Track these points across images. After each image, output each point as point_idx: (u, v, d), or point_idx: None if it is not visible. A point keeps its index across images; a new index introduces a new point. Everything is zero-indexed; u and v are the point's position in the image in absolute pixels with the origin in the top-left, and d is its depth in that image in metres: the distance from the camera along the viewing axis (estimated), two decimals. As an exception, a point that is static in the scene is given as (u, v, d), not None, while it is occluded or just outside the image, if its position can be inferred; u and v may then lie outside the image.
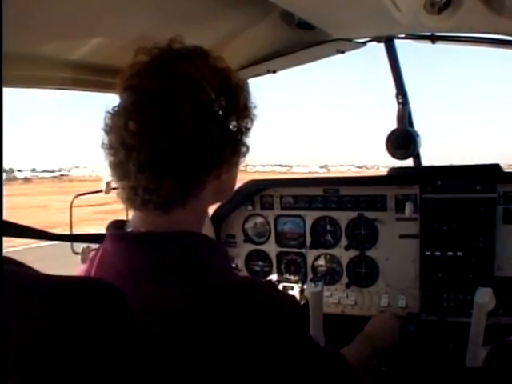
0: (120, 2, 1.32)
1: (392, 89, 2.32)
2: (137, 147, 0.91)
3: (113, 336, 0.75)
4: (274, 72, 2.07)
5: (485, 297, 1.76)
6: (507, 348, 1.59)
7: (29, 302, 0.72)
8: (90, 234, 1.76)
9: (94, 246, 1.86)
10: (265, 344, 0.86)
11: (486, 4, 1.48)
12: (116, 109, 0.97)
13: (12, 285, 0.72)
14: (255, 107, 1.07)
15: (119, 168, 0.95)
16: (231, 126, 0.98)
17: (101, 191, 2.10)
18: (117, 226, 1.06)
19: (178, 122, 0.90)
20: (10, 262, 0.82)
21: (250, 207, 2.51)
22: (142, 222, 1.00)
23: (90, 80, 1.67)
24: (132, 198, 0.96)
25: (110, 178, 2.09)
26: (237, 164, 1.08)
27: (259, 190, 2.48)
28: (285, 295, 1.02)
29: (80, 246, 1.90)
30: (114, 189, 2.10)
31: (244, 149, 1.07)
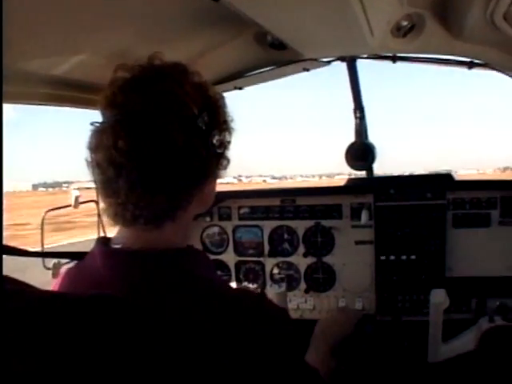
0: (97, 19, 1.32)
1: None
2: (127, 165, 0.91)
3: (128, 348, 0.78)
4: (241, 89, 2.12)
5: (440, 297, 1.91)
6: (499, 332, 1.73)
7: (42, 322, 0.72)
8: (67, 252, 1.76)
9: (63, 260, 1.88)
10: (258, 352, 0.91)
11: (447, 28, 1.63)
12: (101, 126, 0.96)
13: (18, 305, 0.73)
14: (232, 120, 1.09)
15: (108, 185, 0.96)
16: (215, 141, 1.00)
17: (70, 206, 2.08)
18: (103, 242, 1.05)
19: (167, 140, 0.92)
20: (10, 281, 0.80)
21: (208, 218, 2.55)
22: (133, 238, 1.00)
23: (71, 96, 1.68)
24: (121, 213, 0.97)
25: (78, 193, 2.11)
26: (218, 176, 1.11)
27: (217, 201, 2.49)
28: (277, 308, 1.07)
29: (51, 261, 1.92)
30: (82, 203, 2.13)
31: (225, 162, 1.09)
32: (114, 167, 0.92)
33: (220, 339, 0.87)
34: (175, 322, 0.87)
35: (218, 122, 1.03)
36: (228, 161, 1.10)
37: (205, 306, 0.91)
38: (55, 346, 0.72)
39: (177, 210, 0.99)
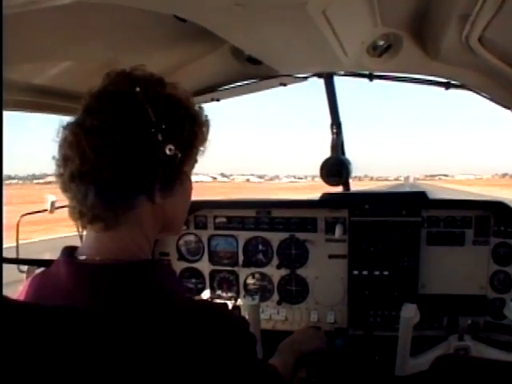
0: (79, 30, 1.33)
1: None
2: (71, 157, 0.94)
3: (90, 359, 0.80)
4: (218, 100, 2.12)
5: (410, 312, 1.93)
6: (451, 360, 1.73)
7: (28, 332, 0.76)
8: (37, 260, 1.76)
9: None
10: (218, 361, 0.91)
11: (423, 49, 1.64)
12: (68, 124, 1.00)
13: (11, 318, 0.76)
14: (205, 140, 1.09)
15: (60, 180, 0.98)
16: (167, 150, 0.98)
17: (46, 210, 2.08)
18: (69, 252, 1.04)
19: (105, 134, 0.93)
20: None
21: (184, 226, 2.52)
22: (93, 244, 1.01)
23: (53, 104, 1.69)
24: (71, 210, 1.00)
25: (54, 198, 2.10)
26: (180, 193, 1.08)
27: (193, 210, 2.51)
28: (237, 317, 1.08)
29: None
30: (57, 208, 2.12)
31: (183, 177, 1.07)
32: (64, 160, 0.97)
33: (182, 350, 0.88)
34: (137, 334, 0.87)
35: (181, 136, 1.01)
36: (188, 177, 1.10)
37: (167, 317, 0.91)
38: (14, 357, 0.74)
39: (113, 210, 0.98)
